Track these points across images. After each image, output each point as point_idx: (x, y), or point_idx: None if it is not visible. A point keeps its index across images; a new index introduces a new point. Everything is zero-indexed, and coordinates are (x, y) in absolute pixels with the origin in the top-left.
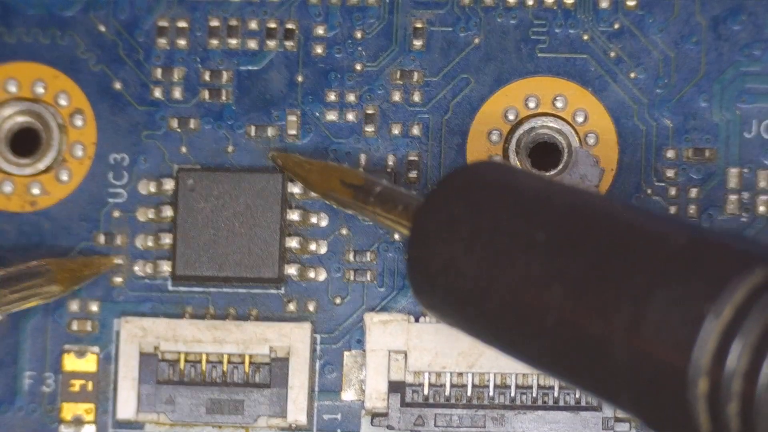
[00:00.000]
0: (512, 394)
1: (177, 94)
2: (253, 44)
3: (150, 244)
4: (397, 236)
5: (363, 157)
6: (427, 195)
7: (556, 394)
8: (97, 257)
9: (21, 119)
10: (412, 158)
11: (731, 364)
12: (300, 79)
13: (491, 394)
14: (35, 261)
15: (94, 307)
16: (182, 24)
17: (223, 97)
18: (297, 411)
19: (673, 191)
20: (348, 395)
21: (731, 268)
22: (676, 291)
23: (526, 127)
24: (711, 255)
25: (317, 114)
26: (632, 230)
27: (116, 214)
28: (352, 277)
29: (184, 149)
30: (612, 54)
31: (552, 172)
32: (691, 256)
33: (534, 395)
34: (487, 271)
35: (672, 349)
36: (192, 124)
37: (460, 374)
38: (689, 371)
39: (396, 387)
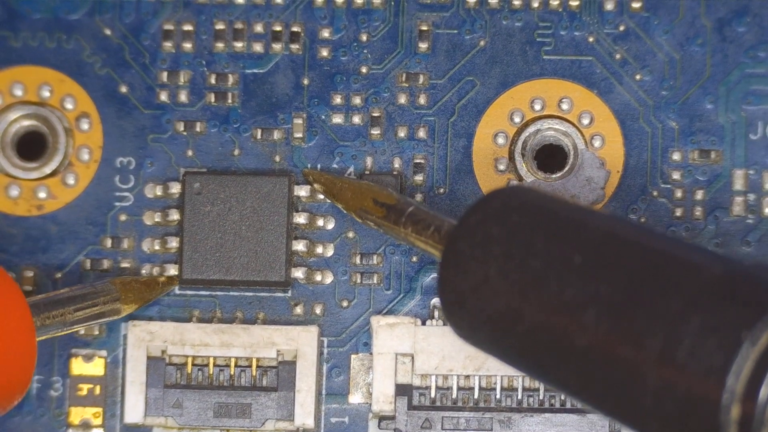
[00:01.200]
0: (519, 397)
1: (183, 97)
2: (258, 47)
3: (157, 247)
4: None
5: (369, 160)
6: (460, 217)
7: (563, 397)
8: (158, 278)
9: (27, 123)
10: (417, 161)
11: (765, 392)
12: (306, 82)
13: (498, 396)
14: (101, 281)
15: None
16: (188, 27)
17: (229, 101)
18: (304, 414)
19: (679, 193)
20: (355, 398)
21: None
22: (713, 317)
23: (531, 129)
24: (749, 283)
25: (323, 117)
26: (669, 257)
27: (123, 217)
28: (358, 280)
29: (190, 153)
30: (617, 56)
31: (558, 175)
32: (729, 284)
33: (541, 398)
34: (520, 292)
35: (706, 374)
36: (198, 127)
37: (467, 377)
38: (723, 397)
39: (403, 390)
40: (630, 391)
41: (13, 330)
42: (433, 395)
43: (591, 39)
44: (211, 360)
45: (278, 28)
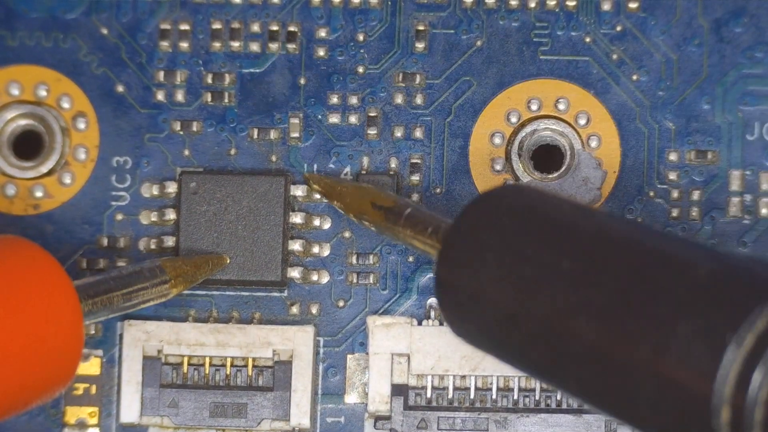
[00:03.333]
0: (515, 397)
1: (179, 96)
2: (255, 47)
3: (153, 247)
4: None
5: (365, 160)
6: (455, 219)
7: (558, 397)
8: (209, 257)
9: (24, 122)
10: (414, 161)
11: (753, 393)
12: (302, 81)
13: (494, 397)
14: (149, 261)
15: None
16: (184, 27)
17: (226, 100)
18: (300, 414)
19: (675, 194)
20: (351, 398)
21: (754, 296)
22: (700, 321)
23: (528, 129)
24: (734, 284)
25: (319, 117)
26: (657, 258)
27: (119, 217)
28: (354, 280)
29: (186, 152)
30: (614, 56)
31: (554, 175)
32: (715, 286)
33: (537, 398)
34: (514, 300)
35: (695, 378)
36: (195, 126)
37: (463, 377)
38: (712, 400)
39: (399, 390)
40: (627, 395)
41: (59, 315)
42: (429, 395)
43: (588, 39)
44: (207, 360)
45: (275, 28)
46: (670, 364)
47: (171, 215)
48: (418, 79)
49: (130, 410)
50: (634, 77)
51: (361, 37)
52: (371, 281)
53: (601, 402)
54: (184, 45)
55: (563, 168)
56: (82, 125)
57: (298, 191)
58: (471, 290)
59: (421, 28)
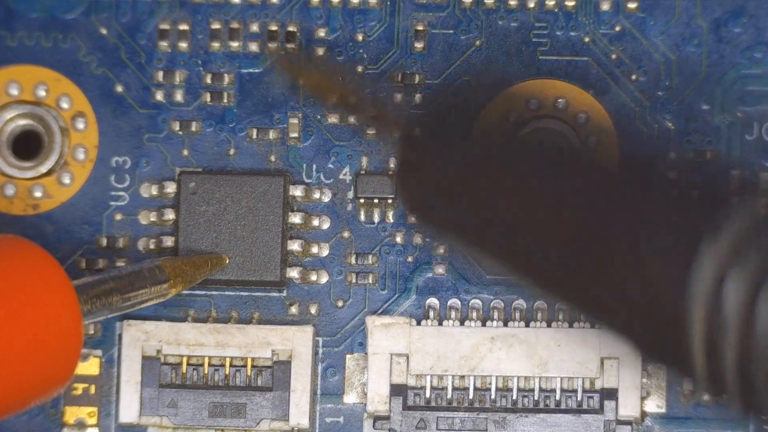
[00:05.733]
0: (514, 397)
1: (179, 97)
2: (254, 47)
3: (152, 247)
4: (399, 239)
5: (364, 160)
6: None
7: (557, 398)
8: (208, 257)
9: (23, 122)
10: None
11: (728, 299)
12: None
13: (493, 397)
14: (148, 262)
15: None
16: (184, 27)
17: (225, 100)
18: (299, 414)
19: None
20: (350, 398)
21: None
22: (676, 222)
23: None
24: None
25: (319, 117)
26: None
27: (118, 217)
28: (354, 280)
29: (185, 152)
30: (613, 56)
31: None
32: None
33: (536, 398)
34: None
35: (670, 280)
36: (194, 127)
37: (462, 377)
38: (687, 303)
39: (398, 390)
40: (601, 291)
41: (58, 315)
42: (428, 395)
43: (587, 39)
44: (206, 360)
45: (274, 28)
46: (646, 263)
47: (170, 215)
48: (417, 79)
49: (129, 410)
50: (633, 77)
51: (360, 37)
52: (370, 281)
53: (570, 296)
54: (183, 45)
55: None
56: (81, 125)
57: (297, 191)
58: (444, 176)
59: (420, 28)
